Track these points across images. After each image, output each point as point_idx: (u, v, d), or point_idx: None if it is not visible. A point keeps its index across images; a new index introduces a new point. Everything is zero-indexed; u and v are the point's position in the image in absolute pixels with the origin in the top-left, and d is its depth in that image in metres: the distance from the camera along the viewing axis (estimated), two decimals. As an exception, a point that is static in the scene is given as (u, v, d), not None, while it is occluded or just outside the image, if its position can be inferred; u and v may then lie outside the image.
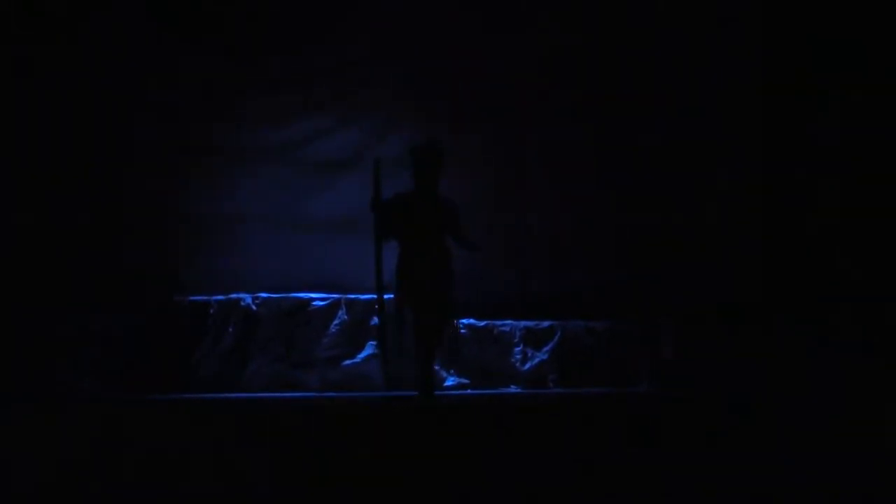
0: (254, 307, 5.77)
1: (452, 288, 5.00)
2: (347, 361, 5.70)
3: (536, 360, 5.86)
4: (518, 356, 5.86)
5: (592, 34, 6.21)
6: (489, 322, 5.92)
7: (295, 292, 5.86)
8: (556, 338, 5.91)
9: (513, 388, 5.78)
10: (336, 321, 5.76)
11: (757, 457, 3.42)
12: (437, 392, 5.47)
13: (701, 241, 6.05)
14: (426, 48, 6.07)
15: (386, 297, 4.97)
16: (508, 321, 5.92)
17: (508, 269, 6.01)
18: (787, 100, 6.08)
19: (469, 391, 5.68)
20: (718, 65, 6.20)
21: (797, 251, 5.88)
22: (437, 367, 5.72)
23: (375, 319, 5.75)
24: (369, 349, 5.73)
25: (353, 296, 5.86)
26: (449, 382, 5.72)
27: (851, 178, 5.82)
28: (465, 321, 5.73)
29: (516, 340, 5.90)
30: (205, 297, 5.80)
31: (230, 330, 5.72)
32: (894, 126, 5.74)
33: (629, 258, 6.07)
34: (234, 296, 5.82)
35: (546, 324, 5.95)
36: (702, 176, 6.19)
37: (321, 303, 5.83)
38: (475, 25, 6.15)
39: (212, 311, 5.75)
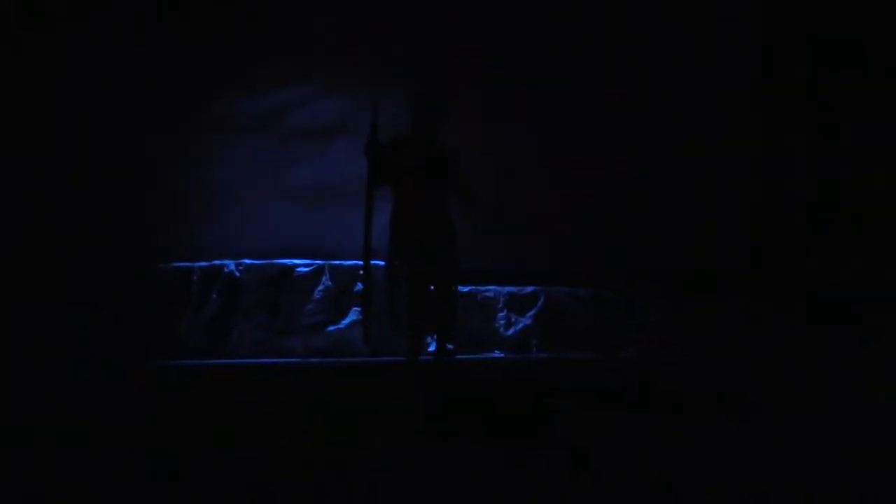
0: (237, 273, 5.75)
1: (454, 248, 4.67)
2: (331, 327, 5.71)
3: (520, 326, 5.89)
4: (502, 321, 5.88)
5: (592, 31, 6.14)
6: (473, 288, 5.93)
7: (279, 259, 5.84)
8: (540, 303, 5.93)
9: (496, 354, 5.80)
10: (320, 287, 5.76)
11: (738, 426, 3.46)
12: (421, 358, 5.49)
13: (689, 215, 6.06)
14: (416, 16, 5.98)
15: (374, 262, 4.76)
16: (492, 287, 5.94)
17: (494, 243, 5.97)
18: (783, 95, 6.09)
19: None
20: (716, 56, 6.15)
21: (787, 227, 5.91)
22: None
23: (360, 285, 5.78)
24: (353, 315, 5.74)
25: (336, 262, 5.85)
26: (433, 348, 5.73)
27: (844, 166, 5.85)
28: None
29: (500, 306, 5.92)
30: (188, 264, 5.77)
31: (214, 296, 5.70)
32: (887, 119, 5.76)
33: (618, 232, 6.07)
34: (217, 262, 5.80)
35: (530, 289, 5.96)
36: (693, 153, 6.17)
37: (305, 269, 5.82)
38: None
39: (195, 277, 5.73)
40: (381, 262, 4.88)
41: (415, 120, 4.73)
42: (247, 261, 5.80)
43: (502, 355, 5.77)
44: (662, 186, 6.12)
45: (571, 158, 6.13)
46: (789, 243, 5.85)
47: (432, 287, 4.68)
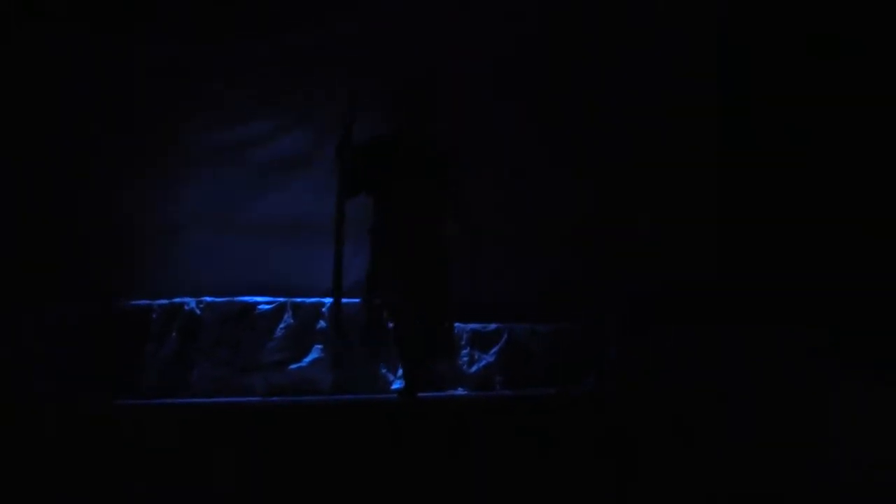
0: (198, 311, 5.68)
1: (446, 272, 4.00)
2: (293, 365, 5.66)
3: (483, 363, 5.89)
4: (465, 358, 5.88)
5: (543, 32, 6.17)
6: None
7: (240, 296, 5.78)
8: (503, 340, 5.94)
9: (460, 391, 5.79)
10: (282, 325, 5.72)
11: (701, 454, 3.49)
12: (384, 396, 5.46)
13: (646, 240, 6.11)
14: (380, 47, 5.99)
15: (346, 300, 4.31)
16: (456, 324, 5.92)
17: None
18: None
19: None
20: (675, 69, 6.25)
21: (749, 248, 5.99)
22: (384, 371, 5.73)
23: (322, 323, 5.74)
24: (315, 353, 5.70)
25: (299, 299, 5.81)
26: (395, 386, 5.71)
27: (806, 177, 5.93)
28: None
29: (463, 343, 5.91)
30: (147, 302, 5.69)
31: (173, 335, 5.63)
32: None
33: (575, 256, 6.09)
34: (177, 300, 5.73)
35: (493, 326, 5.97)
36: (650, 176, 6.24)
37: (267, 306, 5.77)
38: (430, 26, 6.07)
39: (155, 315, 5.65)
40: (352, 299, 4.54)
41: (400, 114, 4.09)
42: (207, 298, 5.73)
43: (465, 392, 5.76)
44: (623, 205, 6.15)
45: (530, 178, 6.13)
46: (755, 265, 5.91)
47: (418, 317, 4.03)
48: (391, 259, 4.06)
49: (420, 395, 4.60)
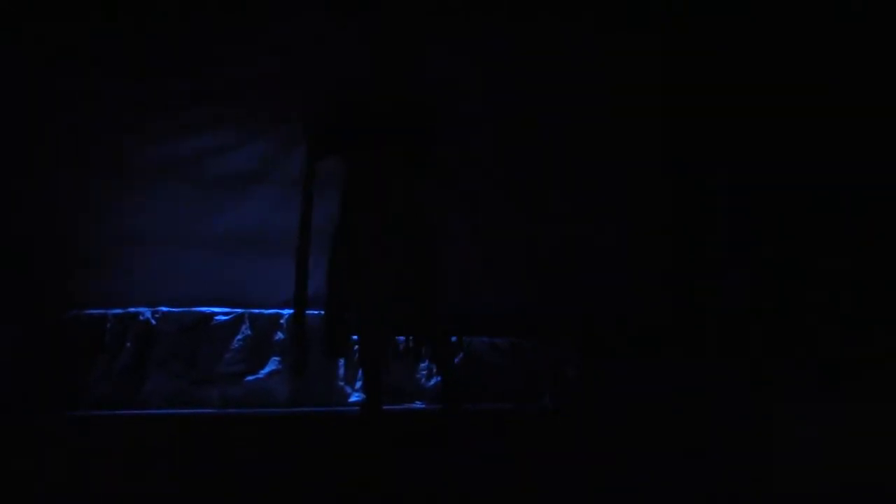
0: (153, 321, 5.61)
1: (434, 265, 3.35)
2: (250, 377, 5.61)
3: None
4: (423, 372, 5.87)
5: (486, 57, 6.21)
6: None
7: (197, 307, 5.72)
8: (461, 354, 5.94)
9: (418, 404, 5.79)
10: (239, 336, 5.67)
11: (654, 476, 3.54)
12: (342, 408, 5.44)
13: (607, 258, 6.17)
14: (334, 61, 5.99)
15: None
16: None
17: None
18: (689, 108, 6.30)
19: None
20: (621, 78, 6.34)
21: (704, 268, 6.07)
22: (341, 383, 5.71)
23: (280, 335, 5.70)
24: (272, 364, 5.66)
25: (256, 310, 5.77)
26: (354, 398, 5.70)
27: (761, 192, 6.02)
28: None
29: (422, 356, 5.90)
30: (101, 311, 5.60)
31: (128, 345, 5.54)
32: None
33: (534, 276, 6.14)
34: (132, 310, 5.64)
35: (452, 339, 5.97)
36: (608, 191, 6.31)
37: (224, 317, 5.72)
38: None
39: (108, 325, 5.56)
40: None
41: (377, 64, 3.43)
42: (163, 308, 5.66)
43: (423, 406, 5.76)
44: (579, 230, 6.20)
45: (485, 203, 6.16)
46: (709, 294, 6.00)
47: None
48: (358, 239, 3.38)
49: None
